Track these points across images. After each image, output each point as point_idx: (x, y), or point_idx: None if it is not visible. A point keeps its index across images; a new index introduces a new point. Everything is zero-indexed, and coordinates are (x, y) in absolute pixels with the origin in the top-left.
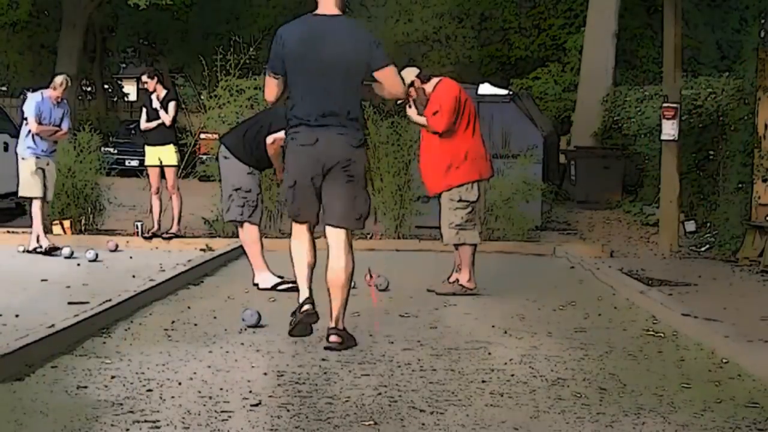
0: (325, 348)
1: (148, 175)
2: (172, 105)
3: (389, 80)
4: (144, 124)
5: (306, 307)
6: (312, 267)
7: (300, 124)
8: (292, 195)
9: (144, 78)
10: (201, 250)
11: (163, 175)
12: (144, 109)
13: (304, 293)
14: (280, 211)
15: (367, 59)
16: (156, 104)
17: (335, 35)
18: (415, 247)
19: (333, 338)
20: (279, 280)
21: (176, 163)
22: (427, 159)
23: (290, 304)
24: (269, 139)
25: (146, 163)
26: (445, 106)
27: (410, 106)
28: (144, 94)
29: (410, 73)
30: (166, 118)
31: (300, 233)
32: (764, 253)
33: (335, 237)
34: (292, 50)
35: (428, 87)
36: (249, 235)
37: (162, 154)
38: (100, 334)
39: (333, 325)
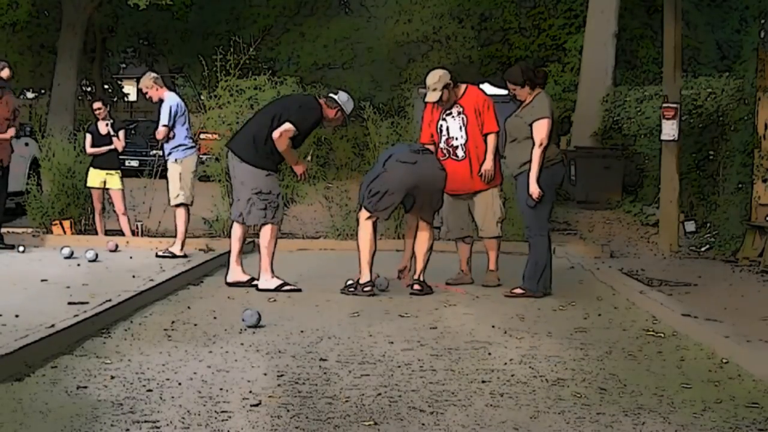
0: (410, 294)
1: (91, 195)
2: (122, 133)
3: None
4: (90, 149)
5: (367, 288)
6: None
7: None
8: None
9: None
10: (201, 250)
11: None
12: (90, 136)
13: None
14: None
15: None
16: (104, 130)
17: None
18: None
19: (416, 286)
20: (281, 281)
21: (121, 187)
22: (478, 159)
23: (290, 305)
24: (275, 134)
25: (88, 183)
26: (491, 114)
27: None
28: (95, 119)
29: (446, 76)
30: (119, 144)
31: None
32: (764, 253)
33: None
34: None
35: (458, 91)
36: (271, 234)
37: (107, 178)
38: (100, 334)
39: (416, 277)
